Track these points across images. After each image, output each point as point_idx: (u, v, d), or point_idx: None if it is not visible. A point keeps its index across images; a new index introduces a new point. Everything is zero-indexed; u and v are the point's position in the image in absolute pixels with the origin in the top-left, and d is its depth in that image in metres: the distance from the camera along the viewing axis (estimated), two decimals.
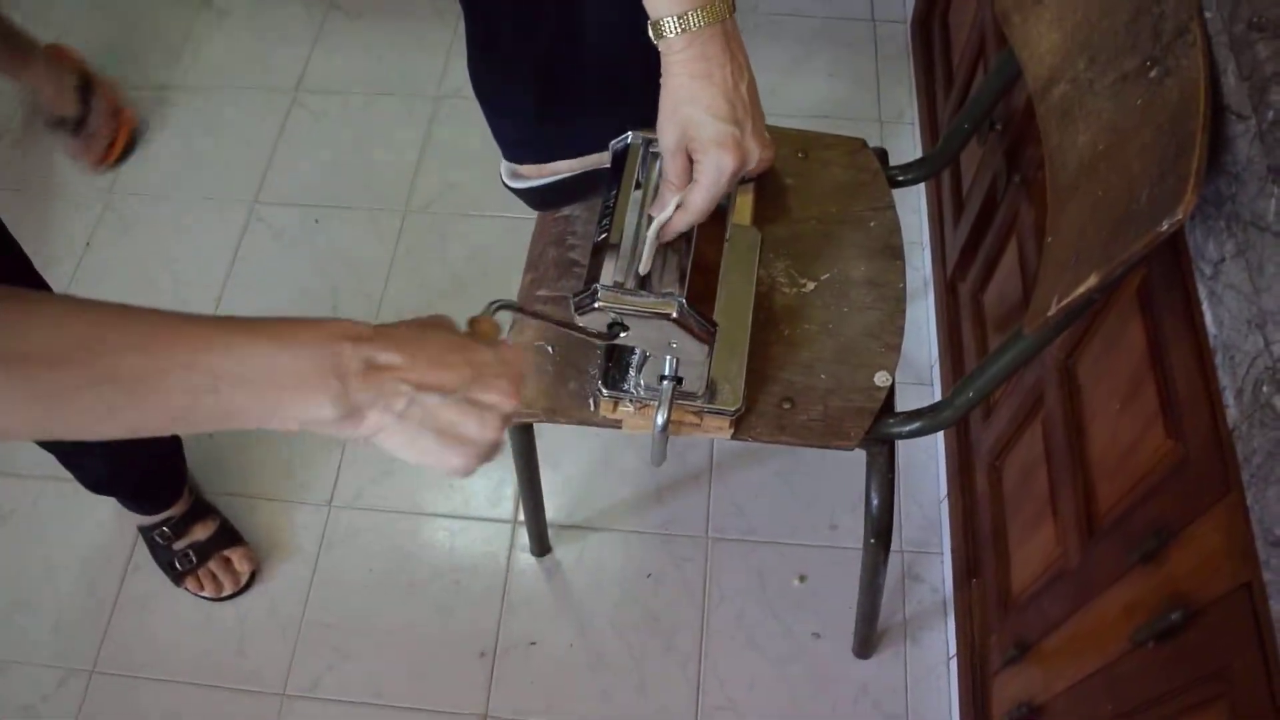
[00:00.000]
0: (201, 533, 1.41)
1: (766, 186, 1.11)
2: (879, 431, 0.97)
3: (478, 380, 0.63)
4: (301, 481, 1.52)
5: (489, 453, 0.66)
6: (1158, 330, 0.79)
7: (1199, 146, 0.62)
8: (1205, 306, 0.67)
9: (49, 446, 1.25)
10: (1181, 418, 0.74)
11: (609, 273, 0.81)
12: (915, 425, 0.95)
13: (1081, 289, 0.69)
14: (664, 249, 0.85)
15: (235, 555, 1.42)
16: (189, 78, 1.97)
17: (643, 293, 0.80)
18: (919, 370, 1.59)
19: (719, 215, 0.86)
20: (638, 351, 0.94)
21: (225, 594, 1.42)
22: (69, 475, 1.32)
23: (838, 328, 1.01)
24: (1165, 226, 0.61)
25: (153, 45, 2.01)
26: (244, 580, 1.42)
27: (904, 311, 1.03)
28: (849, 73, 1.95)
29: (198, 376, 0.55)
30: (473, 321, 0.69)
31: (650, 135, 0.88)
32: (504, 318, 1.02)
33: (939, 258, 1.58)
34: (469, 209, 1.77)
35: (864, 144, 1.15)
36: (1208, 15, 0.69)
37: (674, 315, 0.79)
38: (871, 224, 1.09)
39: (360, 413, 0.60)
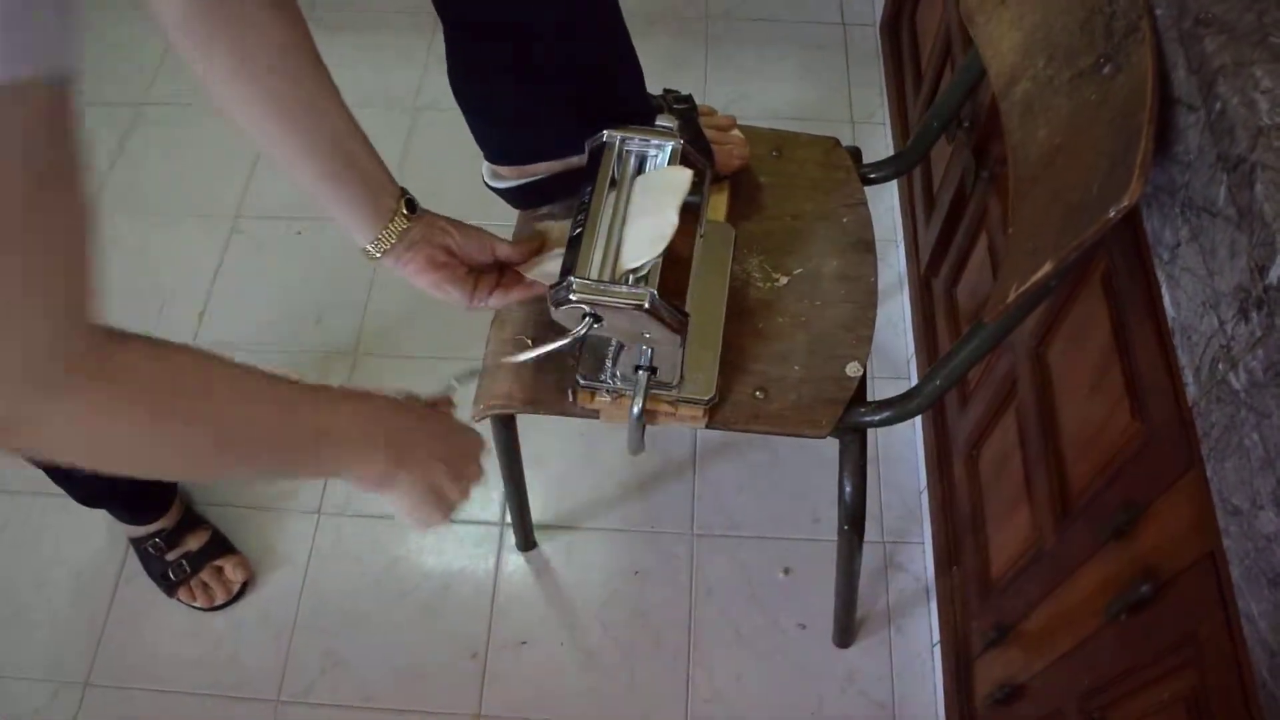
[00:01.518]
0: (194, 543, 1.42)
1: (741, 184, 1.13)
2: (851, 420, 0.99)
3: (462, 457, 0.79)
4: (290, 491, 1.53)
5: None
6: (1122, 315, 0.82)
7: (1145, 138, 0.64)
8: (1164, 290, 0.70)
9: (38, 461, 1.26)
10: (1146, 398, 0.77)
11: (584, 266, 0.83)
12: (886, 414, 0.98)
13: (1038, 275, 0.72)
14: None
15: (228, 564, 1.43)
16: (166, 94, 1.98)
17: (616, 285, 0.83)
18: (896, 365, 1.61)
19: (692, 212, 0.88)
20: (613, 343, 0.97)
21: (218, 603, 1.42)
22: (59, 490, 1.33)
23: (810, 320, 1.04)
24: (1114, 213, 0.64)
25: (128, 63, 2.01)
26: (236, 589, 1.43)
27: (876, 304, 1.05)
28: (821, 75, 1.98)
29: (307, 433, 0.67)
30: (437, 400, 0.83)
31: (625, 133, 0.90)
32: (482, 317, 1.04)
33: (913, 254, 1.61)
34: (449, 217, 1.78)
35: (837, 143, 1.18)
36: (1158, 13, 0.72)
37: (646, 305, 0.81)
38: (844, 220, 1.11)
39: (395, 474, 0.73)
